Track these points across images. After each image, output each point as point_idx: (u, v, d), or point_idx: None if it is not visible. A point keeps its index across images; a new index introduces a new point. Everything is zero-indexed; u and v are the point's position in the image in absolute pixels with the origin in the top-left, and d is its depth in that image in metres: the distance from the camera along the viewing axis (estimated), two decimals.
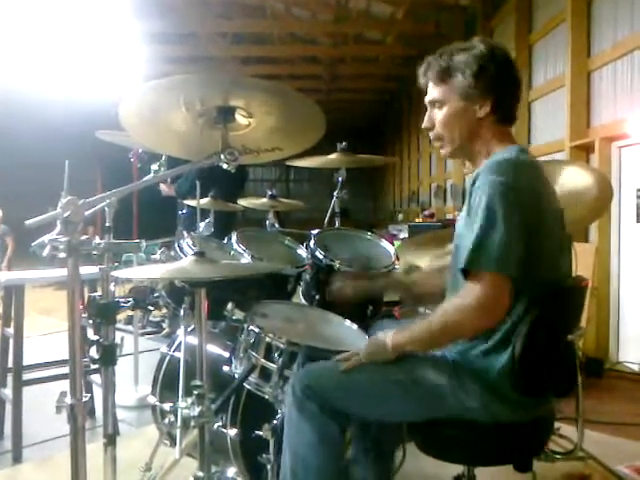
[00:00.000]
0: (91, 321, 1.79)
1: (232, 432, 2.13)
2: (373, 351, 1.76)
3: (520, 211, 1.56)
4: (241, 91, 1.76)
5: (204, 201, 3.37)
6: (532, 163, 1.70)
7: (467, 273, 1.58)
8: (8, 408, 3.22)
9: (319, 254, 2.56)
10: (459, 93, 1.75)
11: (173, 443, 2.43)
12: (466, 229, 1.65)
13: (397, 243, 6.93)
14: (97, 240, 1.72)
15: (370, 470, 2.06)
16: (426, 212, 11.15)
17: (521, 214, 1.56)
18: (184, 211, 5.11)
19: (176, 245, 2.59)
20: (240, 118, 1.82)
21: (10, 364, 3.19)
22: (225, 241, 2.83)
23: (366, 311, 2.61)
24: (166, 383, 2.59)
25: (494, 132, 1.78)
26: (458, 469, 2.04)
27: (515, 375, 1.61)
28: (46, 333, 5.55)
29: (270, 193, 3.38)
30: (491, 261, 1.53)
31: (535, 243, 1.59)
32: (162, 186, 5.26)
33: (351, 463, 2.07)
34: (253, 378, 2.05)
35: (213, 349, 2.41)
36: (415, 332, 1.71)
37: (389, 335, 1.74)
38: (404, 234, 10.29)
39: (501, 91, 1.74)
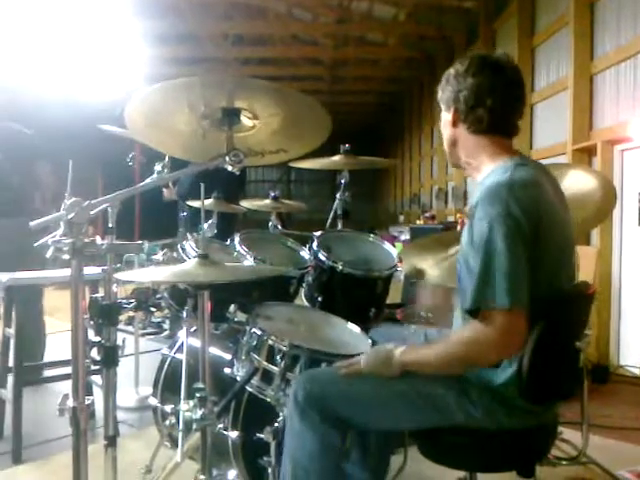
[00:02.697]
0: (92, 322, 1.78)
1: (233, 435, 2.12)
2: (376, 364, 1.74)
3: (520, 239, 1.53)
4: (246, 93, 1.75)
5: (207, 202, 3.36)
6: (527, 181, 1.64)
7: (476, 311, 1.56)
8: (8, 408, 3.21)
9: (322, 256, 2.56)
10: (443, 103, 1.84)
11: (174, 445, 2.42)
12: (469, 258, 1.61)
13: (398, 245, 6.94)
14: (98, 240, 1.71)
15: (366, 473, 2.04)
16: (427, 214, 11.16)
17: (522, 242, 1.54)
18: (185, 213, 5.11)
19: (179, 246, 2.59)
20: (245, 120, 1.81)
21: (11, 364, 3.17)
22: (227, 242, 2.82)
23: (368, 313, 2.60)
24: (167, 385, 2.58)
25: (479, 144, 1.76)
26: (459, 473, 2.04)
27: (523, 385, 1.59)
28: (48, 332, 5.53)
29: (273, 194, 3.37)
30: (502, 297, 1.51)
31: (535, 260, 1.57)
32: (165, 191, 5.27)
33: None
34: (255, 381, 2.04)
35: (215, 351, 2.40)
36: (426, 357, 1.69)
37: (397, 352, 1.71)
38: (405, 236, 10.30)
39: (465, 101, 1.74)
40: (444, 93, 1.82)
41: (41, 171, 4.15)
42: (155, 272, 2.02)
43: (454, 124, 1.80)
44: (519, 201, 1.56)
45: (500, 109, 1.73)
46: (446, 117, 1.82)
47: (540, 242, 1.58)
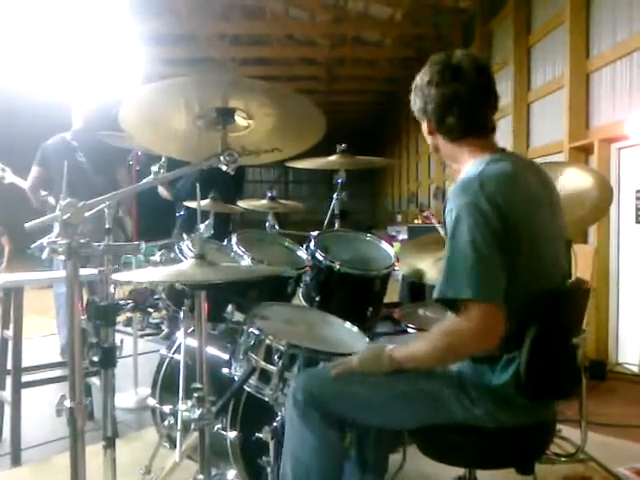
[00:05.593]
0: (90, 323, 1.78)
1: (232, 435, 2.12)
2: (367, 361, 1.76)
3: (488, 233, 1.53)
4: (241, 92, 1.75)
5: (204, 203, 3.36)
6: (499, 174, 1.63)
7: (449, 300, 1.58)
8: (7, 410, 3.21)
9: (319, 256, 2.56)
10: (416, 114, 1.85)
11: (173, 445, 2.42)
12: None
13: (396, 244, 6.94)
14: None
15: (366, 472, 2.05)
16: (425, 213, 11.14)
17: (490, 236, 1.53)
18: (182, 213, 5.12)
19: (176, 247, 2.59)
20: (239, 119, 1.81)
21: (9, 366, 3.17)
22: (224, 243, 2.82)
23: (366, 313, 2.60)
24: (166, 385, 2.58)
25: (457, 148, 1.78)
26: (459, 470, 2.04)
27: (522, 383, 1.59)
28: (46, 334, 5.53)
29: (270, 195, 3.36)
30: (464, 289, 1.52)
31: (512, 255, 1.56)
32: (160, 189, 5.27)
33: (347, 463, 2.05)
34: (253, 380, 2.04)
35: (213, 351, 2.41)
36: (414, 350, 1.71)
37: (389, 349, 1.74)
38: (403, 235, 10.30)
39: (434, 113, 1.76)
40: (415, 104, 1.83)
41: (120, 175, 4.51)
42: (152, 272, 2.02)
43: (430, 133, 1.82)
44: (488, 195, 1.56)
45: (469, 114, 1.74)
46: (424, 126, 1.85)
47: (514, 238, 1.57)
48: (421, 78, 1.79)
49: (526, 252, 1.60)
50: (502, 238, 1.55)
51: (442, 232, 1.72)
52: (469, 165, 1.73)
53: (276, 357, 2.00)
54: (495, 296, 1.52)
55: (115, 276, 1.80)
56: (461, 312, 1.55)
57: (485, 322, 1.52)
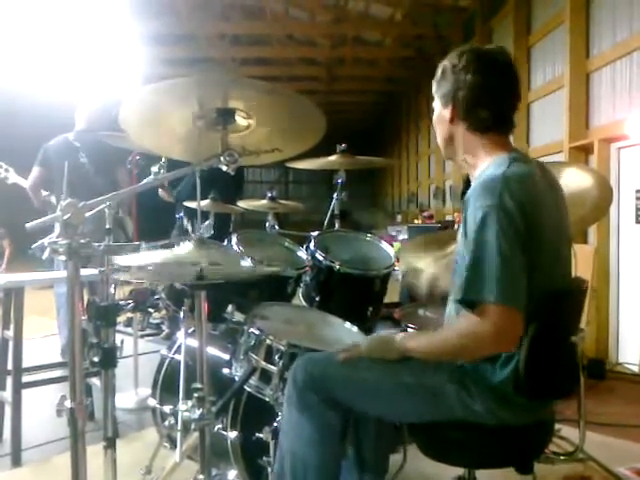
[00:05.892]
0: (91, 324, 1.79)
1: (232, 435, 2.13)
2: (377, 347, 1.77)
3: (513, 235, 1.52)
4: (241, 92, 1.76)
5: (203, 203, 3.37)
6: (522, 175, 1.62)
7: (470, 301, 1.56)
8: (7, 411, 3.21)
9: (319, 256, 2.56)
10: (439, 98, 1.79)
11: (173, 445, 2.42)
12: (464, 251, 1.61)
13: (396, 244, 6.94)
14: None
15: (366, 471, 2.05)
16: (425, 213, 11.16)
17: (515, 238, 1.52)
18: (181, 214, 5.12)
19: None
20: (240, 119, 1.82)
21: (9, 366, 3.17)
22: (224, 243, 2.82)
23: (366, 312, 2.61)
24: (166, 385, 2.58)
25: (478, 142, 1.74)
26: (458, 470, 2.04)
27: (521, 381, 1.59)
28: (46, 335, 5.53)
29: (270, 195, 3.37)
30: (490, 292, 1.50)
31: (531, 256, 1.56)
32: (161, 192, 5.28)
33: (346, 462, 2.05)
34: (253, 381, 2.05)
35: (213, 351, 2.41)
36: (426, 343, 1.70)
37: (398, 336, 1.74)
38: (403, 235, 10.31)
39: (465, 100, 1.71)
40: (440, 88, 1.78)
41: (120, 175, 4.52)
42: (151, 255, 2.00)
43: (452, 121, 1.76)
44: (513, 196, 1.54)
45: (500, 108, 1.72)
46: (443, 113, 1.78)
47: (534, 238, 1.57)
48: (454, 63, 1.72)
49: (544, 252, 1.60)
50: (525, 239, 1.54)
51: (460, 232, 1.69)
52: (486, 163, 1.71)
53: (276, 357, 2.01)
54: (517, 300, 1.52)
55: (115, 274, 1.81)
56: (480, 314, 1.54)
57: (504, 326, 1.51)
